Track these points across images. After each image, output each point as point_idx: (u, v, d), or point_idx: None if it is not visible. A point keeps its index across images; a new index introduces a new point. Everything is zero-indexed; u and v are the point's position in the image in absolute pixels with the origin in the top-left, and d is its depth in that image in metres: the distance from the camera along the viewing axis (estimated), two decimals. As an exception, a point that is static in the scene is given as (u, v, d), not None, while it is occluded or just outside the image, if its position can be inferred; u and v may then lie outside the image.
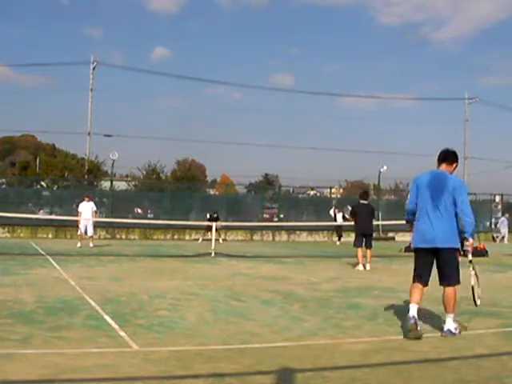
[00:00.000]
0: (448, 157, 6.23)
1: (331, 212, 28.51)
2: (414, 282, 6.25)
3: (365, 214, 13.69)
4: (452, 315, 6.10)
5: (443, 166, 6.22)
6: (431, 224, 6.08)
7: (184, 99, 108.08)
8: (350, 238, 28.12)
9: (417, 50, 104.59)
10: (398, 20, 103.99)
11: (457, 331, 6.09)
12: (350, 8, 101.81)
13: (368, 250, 13.54)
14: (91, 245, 19.54)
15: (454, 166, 6.28)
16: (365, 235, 13.62)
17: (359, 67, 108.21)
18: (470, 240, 6.22)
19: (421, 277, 6.20)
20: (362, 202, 13.92)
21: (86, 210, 19.88)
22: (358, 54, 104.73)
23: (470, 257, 6.36)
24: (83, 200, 20.29)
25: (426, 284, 6.22)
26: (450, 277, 6.15)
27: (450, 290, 6.13)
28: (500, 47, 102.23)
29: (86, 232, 20.07)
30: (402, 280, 11.44)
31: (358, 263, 13.49)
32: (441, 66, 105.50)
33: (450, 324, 6.09)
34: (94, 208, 20.22)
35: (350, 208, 14.70)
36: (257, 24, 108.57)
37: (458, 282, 6.21)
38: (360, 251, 13.46)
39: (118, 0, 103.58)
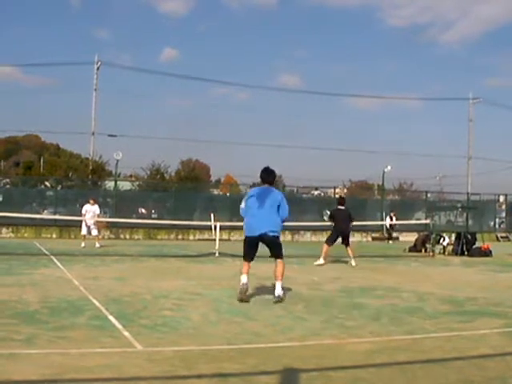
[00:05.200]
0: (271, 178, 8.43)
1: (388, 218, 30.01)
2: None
3: (342, 217, 15.00)
4: (281, 282, 8.13)
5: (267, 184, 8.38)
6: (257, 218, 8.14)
7: (189, 100, 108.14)
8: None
9: (423, 52, 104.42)
10: (405, 22, 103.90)
11: (283, 295, 8.07)
12: (358, 10, 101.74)
13: (348, 248, 14.84)
14: (97, 245, 19.49)
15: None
16: (342, 236, 14.94)
17: (365, 68, 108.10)
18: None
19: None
20: (339, 207, 15.27)
21: (89, 213, 19.94)
22: (365, 55, 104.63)
23: None
24: (88, 202, 20.39)
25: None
26: (278, 254, 8.32)
27: (280, 261, 8.27)
28: (505, 49, 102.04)
29: (89, 233, 20.10)
30: (405, 280, 11.45)
31: (319, 257, 14.58)
32: (447, 67, 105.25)
33: (279, 289, 8.07)
34: (97, 212, 20.21)
35: (328, 212, 15.89)
36: (264, 25, 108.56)
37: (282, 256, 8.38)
38: (327, 248, 14.77)
39: (127, 2, 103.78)
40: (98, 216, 20.46)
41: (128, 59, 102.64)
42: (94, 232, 20.12)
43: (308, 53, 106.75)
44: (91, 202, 20.14)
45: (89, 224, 19.90)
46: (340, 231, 14.92)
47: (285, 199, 8.27)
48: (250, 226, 8.24)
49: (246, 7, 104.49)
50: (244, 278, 8.01)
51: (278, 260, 8.29)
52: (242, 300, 7.86)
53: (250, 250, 8.27)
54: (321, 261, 14.43)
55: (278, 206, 8.13)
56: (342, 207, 15.20)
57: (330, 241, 14.96)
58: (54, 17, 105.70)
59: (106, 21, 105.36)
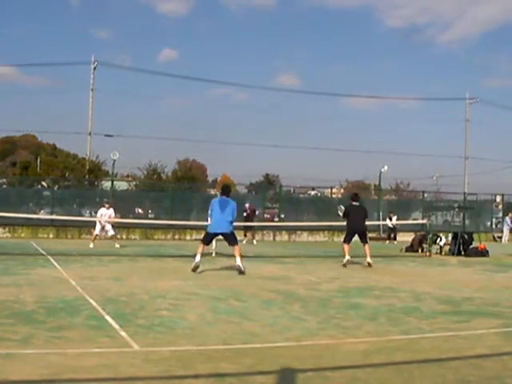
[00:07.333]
0: (226, 192, 12.49)
1: (388, 219, 29.64)
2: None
3: (357, 214, 14.56)
4: (239, 257, 11.74)
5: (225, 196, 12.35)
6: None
7: (188, 100, 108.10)
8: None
9: (421, 52, 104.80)
10: (404, 22, 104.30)
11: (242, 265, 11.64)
12: (357, 10, 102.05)
13: (366, 246, 14.33)
14: (117, 245, 19.81)
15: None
16: (358, 233, 14.55)
17: (364, 68, 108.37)
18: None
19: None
20: (354, 203, 14.84)
21: (105, 216, 20.16)
22: (363, 55, 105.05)
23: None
24: (103, 206, 20.67)
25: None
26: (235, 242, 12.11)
27: (236, 246, 12.02)
28: (503, 49, 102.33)
29: (105, 232, 20.57)
30: (402, 280, 11.46)
31: (344, 255, 14.05)
32: (445, 67, 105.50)
33: (239, 261, 11.64)
34: (113, 215, 20.47)
35: (342, 207, 15.28)
36: (263, 26, 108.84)
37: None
38: (347, 246, 14.27)
39: (126, 2, 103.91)
40: (113, 218, 20.69)
41: (127, 59, 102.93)
42: (111, 232, 20.56)
43: (307, 53, 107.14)
44: (106, 206, 20.52)
45: (103, 224, 20.24)
46: (355, 228, 14.53)
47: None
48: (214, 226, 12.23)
49: (244, 7, 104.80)
50: (198, 258, 12.05)
51: (236, 246, 12.06)
52: (193, 270, 11.75)
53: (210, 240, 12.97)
54: (346, 258, 13.95)
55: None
56: (357, 203, 14.82)
57: (348, 240, 14.46)
58: (53, 16, 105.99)
59: (105, 21, 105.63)
